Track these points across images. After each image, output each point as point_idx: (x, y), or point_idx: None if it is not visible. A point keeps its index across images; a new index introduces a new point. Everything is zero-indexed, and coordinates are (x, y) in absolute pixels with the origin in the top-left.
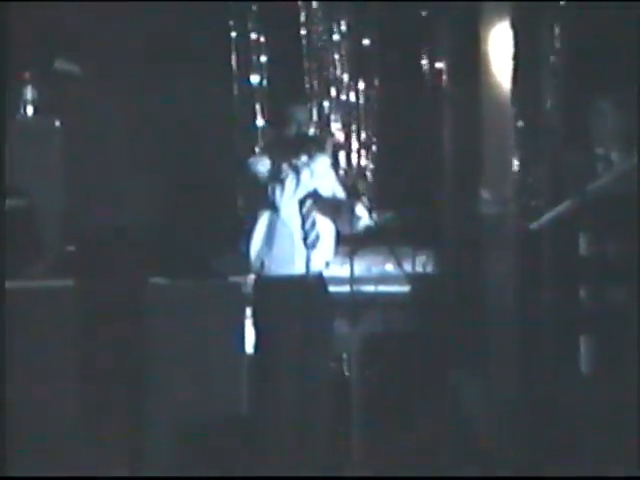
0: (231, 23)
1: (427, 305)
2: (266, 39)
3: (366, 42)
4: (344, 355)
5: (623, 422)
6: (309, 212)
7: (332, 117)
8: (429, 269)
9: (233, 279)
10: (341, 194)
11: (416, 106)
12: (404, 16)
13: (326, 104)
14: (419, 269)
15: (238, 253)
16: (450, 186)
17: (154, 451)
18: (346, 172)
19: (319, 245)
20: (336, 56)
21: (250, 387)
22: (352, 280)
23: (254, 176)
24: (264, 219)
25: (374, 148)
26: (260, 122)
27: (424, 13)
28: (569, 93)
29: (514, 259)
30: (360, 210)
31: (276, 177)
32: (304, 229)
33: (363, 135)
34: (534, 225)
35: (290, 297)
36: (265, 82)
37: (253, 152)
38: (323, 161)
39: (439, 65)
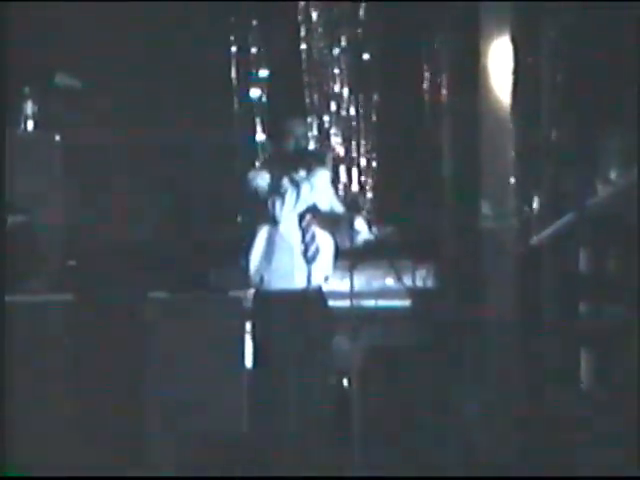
0: (231, 37)
1: (427, 319)
2: (266, 53)
3: (366, 56)
4: (344, 369)
5: (623, 436)
6: (309, 226)
7: (332, 131)
8: (429, 283)
9: (233, 293)
10: (341, 208)
11: (416, 120)
12: (403, 31)
13: (326, 118)
14: (419, 283)
15: (238, 267)
16: (450, 200)
17: (153, 463)
18: (346, 186)
19: (319, 259)
20: (336, 70)
21: (250, 401)
22: (352, 294)
23: (254, 190)
24: (264, 233)
25: (374, 162)
26: (260, 136)
27: (423, 27)
28: (569, 107)
29: (514, 274)
30: (360, 224)
31: (276, 191)
32: (304, 243)
33: (363, 149)
34: (534, 240)
35: (290, 311)
36: (265, 97)
37: (253, 166)
38: (323, 175)
39: (439, 79)
